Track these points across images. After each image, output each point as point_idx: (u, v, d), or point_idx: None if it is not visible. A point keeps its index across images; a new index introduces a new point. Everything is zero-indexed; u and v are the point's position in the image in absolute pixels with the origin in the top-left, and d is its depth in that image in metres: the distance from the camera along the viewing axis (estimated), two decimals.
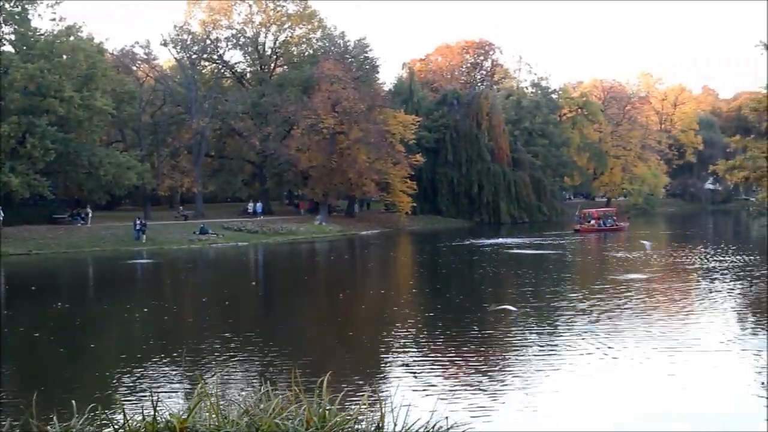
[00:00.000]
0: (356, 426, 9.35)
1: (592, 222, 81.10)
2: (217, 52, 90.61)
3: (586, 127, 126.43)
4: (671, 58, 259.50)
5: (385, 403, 10.02)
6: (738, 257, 46.76)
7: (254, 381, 17.63)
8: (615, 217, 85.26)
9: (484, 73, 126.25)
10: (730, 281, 35.52)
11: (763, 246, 57.79)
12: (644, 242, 54.45)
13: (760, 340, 21.64)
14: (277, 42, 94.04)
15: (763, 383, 17.35)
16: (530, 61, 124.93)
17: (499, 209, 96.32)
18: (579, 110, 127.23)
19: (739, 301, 30.16)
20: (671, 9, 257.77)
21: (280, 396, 9.80)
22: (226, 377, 18.44)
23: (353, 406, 10.16)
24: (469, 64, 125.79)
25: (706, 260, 45.98)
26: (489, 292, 35.62)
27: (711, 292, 31.78)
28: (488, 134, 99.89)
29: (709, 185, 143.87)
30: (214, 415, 7.46)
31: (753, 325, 24.67)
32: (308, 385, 10.81)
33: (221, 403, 8.16)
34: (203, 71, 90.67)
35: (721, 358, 19.31)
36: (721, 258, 46.58)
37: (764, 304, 29.41)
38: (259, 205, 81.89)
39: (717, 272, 39.24)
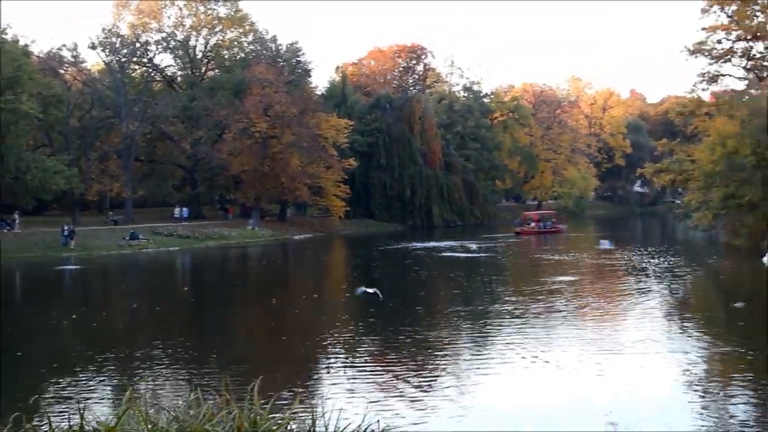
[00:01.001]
0: (288, 431, 9.35)
1: (533, 224, 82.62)
2: (147, 55, 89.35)
3: (517, 131, 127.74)
4: (600, 63, 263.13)
5: (316, 408, 10.03)
6: (665, 258, 47.66)
7: (185, 388, 17.45)
8: (554, 220, 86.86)
9: (417, 77, 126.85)
10: (658, 282, 36.18)
11: (688, 247, 59.02)
12: (603, 242, 55.22)
13: (687, 340, 22.05)
14: (208, 45, 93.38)
15: (688, 383, 17.69)
16: (462, 66, 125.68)
17: (431, 213, 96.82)
18: (510, 114, 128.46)
19: (666, 301, 30.70)
20: (600, 14, 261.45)
21: (211, 402, 9.74)
22: (156, 384, 18.22)
23: (285, 412, 10.16)
24: (401, 68, 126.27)
25: (634, 262, 46.77)
26: (422, 296, 35.76)
27: (640, 294, 32.31)
28: (421, 138, 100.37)
29: (637, 188, 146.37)
30: (142, 423, 7.38)
31: (680, 326, 25.13)
32: (240, 391, 10.78)
33: (150, 410, 8.09)
34: (133, 75, 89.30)
35: (649, 360, 19.62)
36: (649, 259, 47.43)
37: (691, 304, 30.01)
38: (185, 209, 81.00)
39: (645, 273, 39.94)
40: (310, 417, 9.56)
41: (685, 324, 25.58)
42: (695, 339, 22.33)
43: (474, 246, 62.81)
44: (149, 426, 7.49)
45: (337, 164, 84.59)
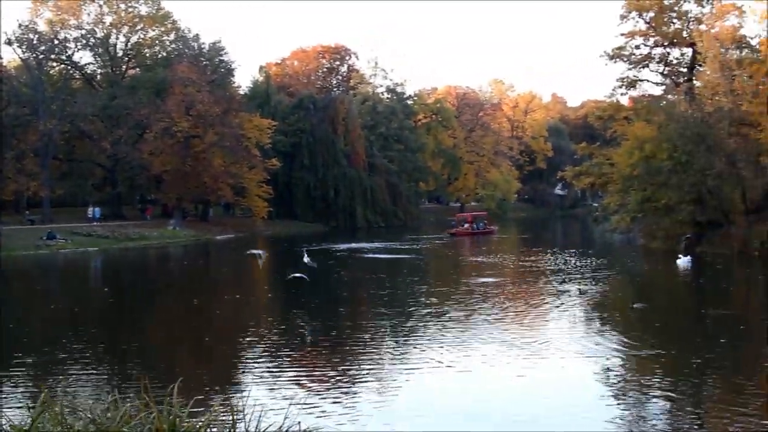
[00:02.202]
0: None
1: (466, 225, 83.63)
2: (66, 52, 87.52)
3: (440, 133, 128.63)
4: (522, 66, 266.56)
5: (237, 409, 9.94)
6: (584, 260, 48.41)
7: (103, 390, 17.14)
8: (486, 221, 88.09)
9: (341, 78, 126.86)
10: (577, 284, 36.72)
11: (607, 250, 60.07)
12: (558, 188, 55.39)
13: (605, 341, 22.40)
14: (129, 43, 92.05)
15: (607, 384, 17.98)
16: (386, 67, 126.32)
17: (355, 214, 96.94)
18: (434, 116, 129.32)
19: (585, 303, 31.18)
20: (522, 17, 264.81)
21: (129, 404, 9.57)
22: (73, 387, 17.84)
23: (205, 413, 10.04)
24: (325, 69, 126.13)
25: (555, 263, 47.41)
26: (344, 297, 35.75)
27: (558, 295, 32.74)
28: (344, 139, 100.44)
29: (558, 191, 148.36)
30: (58, 426, 7.21)
31: (599, 327, 25.52)
32: (160, 393, 10.61)
33: (66, 412, 7.91)
34: (51, 72, 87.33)
35: (568, 361, 19.89)
36: (569, 261, 48.12)
37: (609, 305, 30.52)
38: (97, 209, 79.44)
39: (565, 275, 40.51)
40: (231, 418, 9.48)
41: (598, 324, 25.97)
42: (607, 339, 22.68)
43: (405, 247, 63.19)
44: (65, 429, 7.33)
45: (260, 164, 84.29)
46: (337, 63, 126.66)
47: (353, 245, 65.86)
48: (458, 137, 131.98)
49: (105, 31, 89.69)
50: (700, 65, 59.69)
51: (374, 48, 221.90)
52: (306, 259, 33.12)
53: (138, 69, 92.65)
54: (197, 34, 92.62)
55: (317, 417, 14.36)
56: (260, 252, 38.07)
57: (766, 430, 14.06)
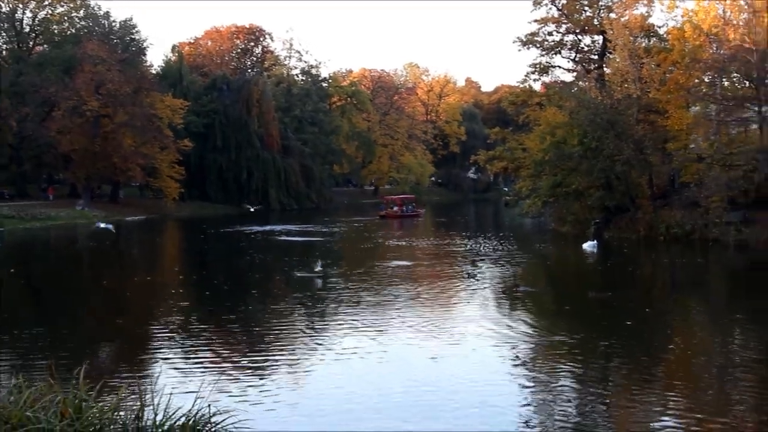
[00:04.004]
0: (115, 416, 9.08)
1: (396, 208, 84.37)
2: None
3: (355, 116, 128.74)
4: (437, 50, 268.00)
5: (145, 393, 9.77)
6: (495, 244, 48.96)
7: (7, 374, 16.67)
8: (414, 204, 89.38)
9: (255, 59, 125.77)
10: (489, 267, 37.13)
11: (518, 233, 60.90)
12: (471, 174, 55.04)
13: (515, 324, 22.67)
14: (37, 19, 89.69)
15: (516, 366, 18.20)
16: (300, 49, 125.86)
17: (268, 196, 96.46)
18: (348, 99, 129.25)
19: (497, 286, 31.54)
20: (437, 1, 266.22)
21: (34, 388, 9.33)
22: None
23: (113, 397, 9.84)
24: (239, 50, 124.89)
25: (468, 247, 47.82)
26: (257, 279, 35.50)
27: (472, 278, 33.03)
28: (258, 121, 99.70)
29: (471, 175, 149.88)
30: None
31: (507, 310, 25.82)
32: (67, 376, 10.36)
33: None
34: None
35: (480, 343, 20.07)
36: (482, 245, 48.59)
37: (519, 289, 30.89)
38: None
39: (477, 258, 40.89)
40: (139, 402, 9.33)
41: (507, 307, 26.26)
42: (516, 322, 22.98)
43: (325, 229, 63.21)
44: None
45: (172, 145, 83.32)
46: (252, 44, 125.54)
47: (267, 227, 65.46)
48: (373, 120, 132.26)
49: (11, 5, 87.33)
50: (610, 53, 60.78)
51: (289, 29, 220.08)
52: (318, 267, 32.98)
53: (46, 46, 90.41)
54: (108, 12, 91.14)
55: (228, 400, 14.21)
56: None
57: (672, 411, 14.39)
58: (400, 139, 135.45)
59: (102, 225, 55.91)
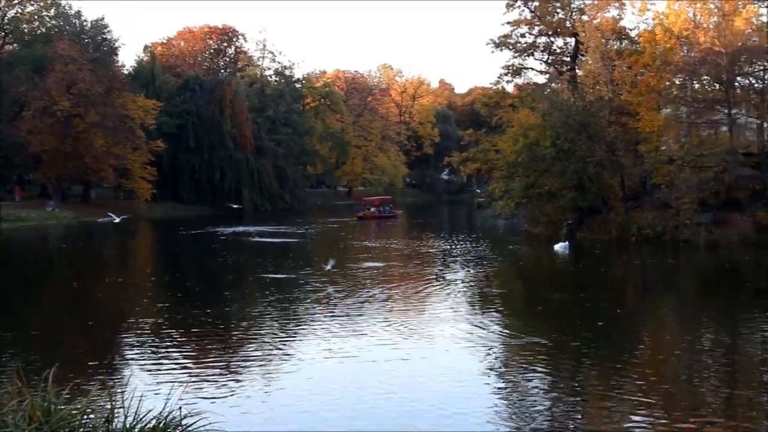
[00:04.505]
0: (85, 419, 8.99)
1: (373, 209, 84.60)
2: None
3: (328, 117, 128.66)
4: (411, 52, 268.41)
5: (116, 395, 9.69)
6: (468, 245, 49.09)
7: None
8: (392, 205, 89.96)
9: (228, 59, 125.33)
10: (462, 268, 37.20)
11: (491, 235, 61.04)
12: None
13: (488, 324, 22.72)
14: (6, 18, 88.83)
15: (489, 366, 18.25)
16: (274, 50, 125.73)
17: (241, 197, 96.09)
18: (322, 100, 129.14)
19: (470, 287, 31.59)
20: (411, 3, 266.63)
21: (1, 391, 9.23)
22: None
23: (83, 400, 9.75)
24: (212, 50, 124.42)
25: (441, 248, 47.87)
26: (229, 281, 35.37)
27: (444, 280, 33.06)
28: (231, 121, 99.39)
29: (444, 176, 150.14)
30: None
31: (481, 311, 25.88)
32: (36, 379, 10.26)
33: None
34: None
35: (452, 344, 20.09)
36: (455, 246, 48.68)
37: (492, 290, 30.97)
38: None
39: (450, 259, 40.98)
40: (109, 404, 9.25)
41: (479, 308, 26.30)
42: (489, 322, 23.05)
43: (301, 230, 63.17)
44: None
45: (144, 146, 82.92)
46: (225, 44, 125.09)
47: (239, 228, 65.26)
48: (346, 121, 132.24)
49: None
50: (582, 55, 61.05)
51: (262, 30, 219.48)
52: (329, 266, 33.01)
53: (15, 45, 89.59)
54: (79, 11, 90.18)
55: (200, 402, 14.14)
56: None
57: (643, 411, 14.47)
58: (374, 140, 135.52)
59: (114, 218, 55.45)
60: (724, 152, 47.87)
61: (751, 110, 51.11)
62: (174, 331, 22.37)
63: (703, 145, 50.58)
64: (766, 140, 50.08)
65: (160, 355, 19.18)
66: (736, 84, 50.87)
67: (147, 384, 15.38)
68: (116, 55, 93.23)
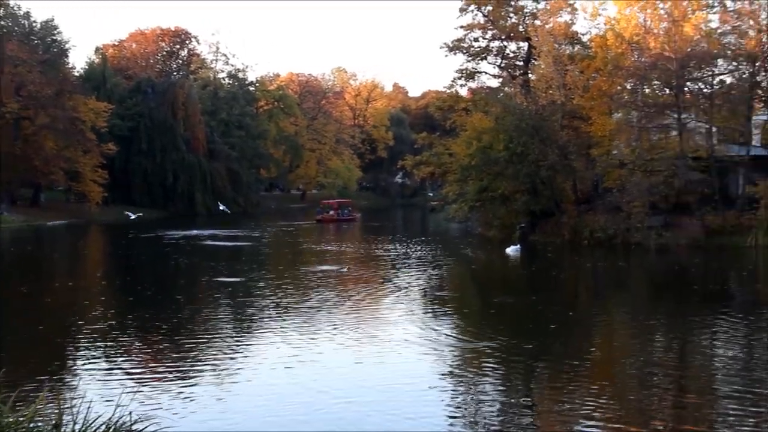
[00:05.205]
0: (32, 426, 8.84)
1: (332, 212, 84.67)
2: None
3: (282, 120, 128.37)
4: (365, 55, 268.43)
5: (64, 401, 9.54)
6: (421, 249, 49.19)
7: None
8: (350, 208, 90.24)
9: (181, 62, 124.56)
10: (415, 272, 37.23)
11: (444, 238, 61.23)
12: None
13: (440, 327, 22.76)
14: None
15: (441, 369, 18.28)
16: (227, 52, 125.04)
17: (194, 200, 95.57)
18: (276, 103, 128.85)
19: (422, 290, 31.61)
20: (366, 5, 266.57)
21: None
22: None
23: (31, 406, 9.59)
24: (164, 53, 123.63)
25: (394, 251, 47.92)
26: (181, 285, 35.08)
27: (398, 283, 33.06)
28: (184, 124, 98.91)
29: (398, 180, 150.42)
30: None
31: (432, 314, 25.91)
32: None
33: None
34: None
35: (404, 348, 20.07)
36: (408, 250, 48.74)
37: (445, 293, 31.05)
38: None
39: (402, 263, 41.01)
40: (57, 410, 9.11)
41: (431, 312, 26.34)
42: (442, 326, 23.11)
43: (255, 234, 62.92)
44: None
45: (95, 148, 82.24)
46: (177, 47, 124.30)
47: (192, 232, 64.76)
48: (300, 125, 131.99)
49: None
50: (535, 59, 61.46)
51: (215, 32, 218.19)
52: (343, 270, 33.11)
53: None
54: (28, 11, 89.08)
55: (150, 408, 13.98)
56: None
57: (595, 414, 14.57)
58: (328, 144, 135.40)
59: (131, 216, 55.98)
60: (673, 157, 48.45)
61: (700, 115, 51.78)
62: (125, 336, 22.12)
63: (653, 150, 51.15)
64: (715, 145, 50.78)
65: (111, 361, 18.95)
66: (686, 89, 51.53)
67: (97, 390, 15.18)
68: (67, 56, 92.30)
